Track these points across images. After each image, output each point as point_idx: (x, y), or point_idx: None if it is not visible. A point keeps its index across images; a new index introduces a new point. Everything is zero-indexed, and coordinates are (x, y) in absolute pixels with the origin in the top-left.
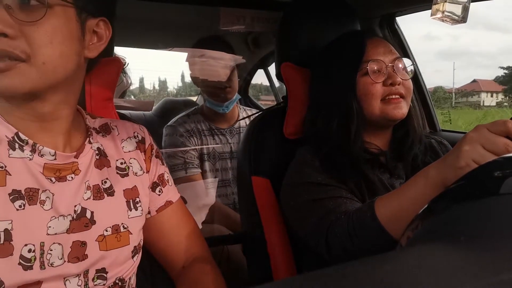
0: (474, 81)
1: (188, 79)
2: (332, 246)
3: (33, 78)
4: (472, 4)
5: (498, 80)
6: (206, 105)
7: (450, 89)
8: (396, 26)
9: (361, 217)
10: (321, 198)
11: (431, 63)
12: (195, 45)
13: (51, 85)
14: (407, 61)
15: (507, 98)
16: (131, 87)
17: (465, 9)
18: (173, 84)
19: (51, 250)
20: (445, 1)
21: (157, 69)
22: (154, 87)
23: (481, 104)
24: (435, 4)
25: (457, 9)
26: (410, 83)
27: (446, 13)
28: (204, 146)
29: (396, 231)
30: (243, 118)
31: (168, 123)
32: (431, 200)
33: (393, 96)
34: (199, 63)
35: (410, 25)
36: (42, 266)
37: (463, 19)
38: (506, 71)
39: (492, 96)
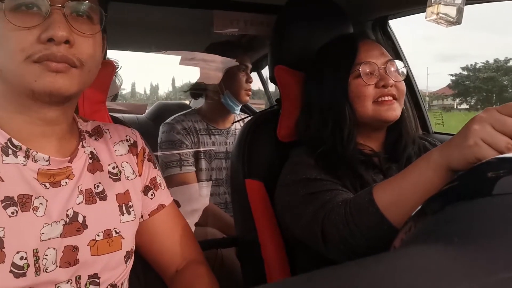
0: (449, 85)
1: (178, 83)
2: (329, 236)
3: (79, 83)
4: (471, 6)
5: (451, 86)
6: (206, 106)
7: (428, 92)
8: (389, 29)
9: (358, 202)
10: (317, 191)
11: (430, 65)
12: (207, 50)
13: (81, 92)
14: (399, 63)
15: (459, 101)
16: (123, 92)
17: (460, 11)
18: (164, 88)
19: (46, 255)
20: (440, 3)
21: (148, 72)
22: (145, 91)
23: (455, 107)
24: (429, 6)
25: (452, 11)
26: (402, 85)
27: (440, 15)
28: (202, 146)
29: (395, 218)
30: (239, 120)
31: (166, 121)
32: (424, 201)
33: (386, 98)
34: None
35: (410, 27)
36: (37, 273)
37: (457, 21)
38: (453, 78)
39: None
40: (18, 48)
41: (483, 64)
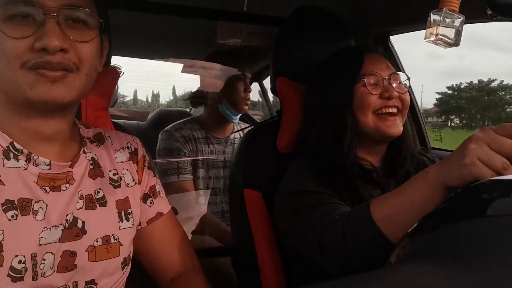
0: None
1: (178, 92)
2: (326, 248)
3: (77, 88)
4: (475, 25)
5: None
6: (205, 114)
7: (423, 109)
8: (390, 45)
9: (356, 216)
10: (315, 204)
11: (433, 82)
12: (208, 58)
13: (82, 97)
14: (403, 77)
15: (443, 118)
16: (125, 99)
17: (458, 33)
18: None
19: (44, 260)
20: (439, 25)
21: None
22: (147, 98)
23: (449, 124)
24: (428, 27)
25: (450, 33)
26: (407, 97)
27: (439, 36)
28: (200, 154)
29: (392, 233)
30: (239, 130)
31: (165, 128)
32: (421, 218)
33: (389, 110)
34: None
35: (415, 44)
36: (34, 277)
37: (455, 42)
38: (438, 96)
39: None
40: (13, 55)
41: (467, 84)
